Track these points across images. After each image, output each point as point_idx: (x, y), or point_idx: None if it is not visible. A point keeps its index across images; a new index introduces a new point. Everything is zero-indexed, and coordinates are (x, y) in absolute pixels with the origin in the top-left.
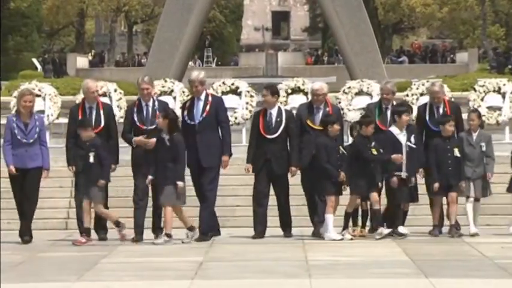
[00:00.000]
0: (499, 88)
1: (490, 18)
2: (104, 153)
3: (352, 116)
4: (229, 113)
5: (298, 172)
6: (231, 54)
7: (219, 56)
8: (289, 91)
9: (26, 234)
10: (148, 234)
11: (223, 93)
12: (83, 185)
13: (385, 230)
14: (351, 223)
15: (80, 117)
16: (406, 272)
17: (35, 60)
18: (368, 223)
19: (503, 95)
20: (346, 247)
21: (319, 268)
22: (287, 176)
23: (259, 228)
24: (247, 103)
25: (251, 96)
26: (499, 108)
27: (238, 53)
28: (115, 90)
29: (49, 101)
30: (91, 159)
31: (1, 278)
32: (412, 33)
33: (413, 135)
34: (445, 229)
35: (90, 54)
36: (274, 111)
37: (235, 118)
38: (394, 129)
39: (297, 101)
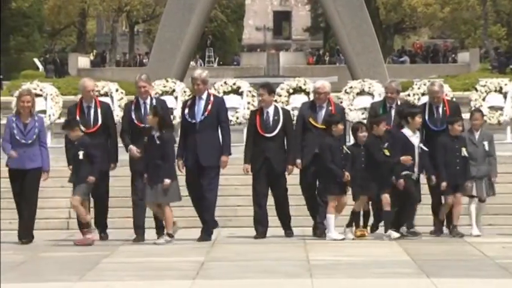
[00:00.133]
0: (501, 88)
1: (491, 18)
2: (93, 151)
3: (354, 116)
4: (230, 113)
5: (297, 171)
6: (233, 54)
7: (220, 56)
8: (291, 91)
9: (24, 236)
10: (149, 234)
11: (224, 93)
12: (73, 183)
13: (395, 234)
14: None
15: (77, 117)
16: (408, 272)
17: (36, 60)
18: (369, 223)
19: (505, 95)
20: (347, 247)
21: (320, 268)
22: (285, 174)
23: (261, 229)
24: (248, 103)
25: (253, 96)
26: (501, 108)
27: (240, 53)
28: (116, 90)
29: (50, 101)
30: (80, 157)
31: (2, 278)
32: (413, 33)
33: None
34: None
35: (91, 54)
36: (271, 110)
37: (237, 118)
38: (406, 131)
39: (299, 100)
